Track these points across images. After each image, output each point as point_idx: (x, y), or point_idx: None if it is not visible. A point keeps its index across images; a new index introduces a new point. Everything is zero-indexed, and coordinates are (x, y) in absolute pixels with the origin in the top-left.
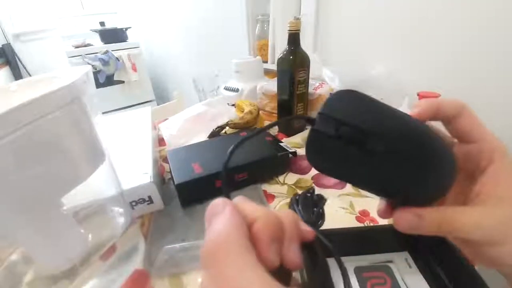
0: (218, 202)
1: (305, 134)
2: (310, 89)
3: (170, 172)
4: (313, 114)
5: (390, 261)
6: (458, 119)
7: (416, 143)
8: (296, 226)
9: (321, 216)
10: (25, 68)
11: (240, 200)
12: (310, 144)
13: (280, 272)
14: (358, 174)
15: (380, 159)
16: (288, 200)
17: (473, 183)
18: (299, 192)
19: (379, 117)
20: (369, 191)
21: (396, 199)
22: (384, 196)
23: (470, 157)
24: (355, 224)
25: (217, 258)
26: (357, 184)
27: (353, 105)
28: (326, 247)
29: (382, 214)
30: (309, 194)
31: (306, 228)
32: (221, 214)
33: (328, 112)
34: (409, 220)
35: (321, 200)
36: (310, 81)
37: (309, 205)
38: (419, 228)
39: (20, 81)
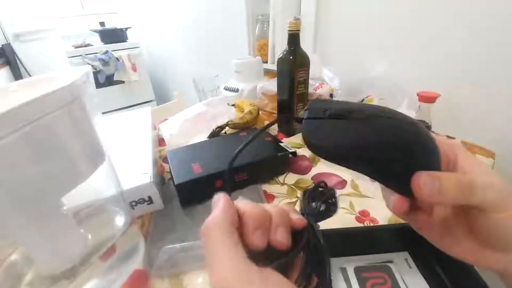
0: (217, 196)
1: None
2: (310, 89)
3: (170, 172)
4: None
5: (390, 261)
6: None
7: (393, 112)
8: (283, 216)
9: (323, 207)
10: (25, 68)
11: (239, 199)
12: (307, 130)
13: (271, 254)
14: (353, 144)
15: (367, 123)
16: (288, 200)
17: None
18: (299, 192)
19: (354, 104)
20: (365, 168)
21: (391, 173)
22: (380, 170)
23: None
24: (355, 224)
25: (206, 234)
26: (354, 159)
27: (330, 102)
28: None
29: (397, 205)
30: (321, 188)
31: (296, 217)
32: (216, 205)
33: (313, 106)
34: (428, 183)
35: (328, 192)
36: (310, 81)
37: (315, 198)
38: (441, 192)
39: (20, 81)
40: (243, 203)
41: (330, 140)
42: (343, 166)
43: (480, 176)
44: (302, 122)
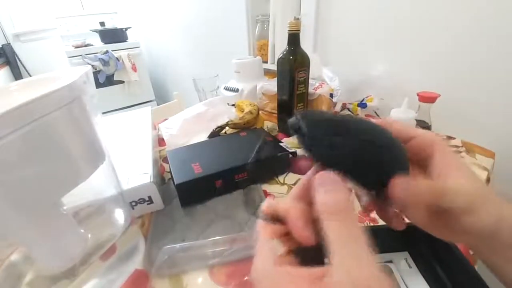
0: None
1: None
2: (310, 89)
3: (170, 172)
4: None
5: (390, 261)
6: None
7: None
8: None
9: None
10: (25, 68)
11: (270, 201)
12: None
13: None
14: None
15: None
16: None
17: (430, 170)
18: None
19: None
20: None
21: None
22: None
23: (414, 149)
24: None
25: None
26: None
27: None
28: None
29: (367, 207)
30: None
31: None
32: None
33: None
34: (404, 186)
35: None
36: (310, 81)
37: None
38: (416, 193)
39: (20, 81)
40: (282, 204)
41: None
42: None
43: (452, 180)
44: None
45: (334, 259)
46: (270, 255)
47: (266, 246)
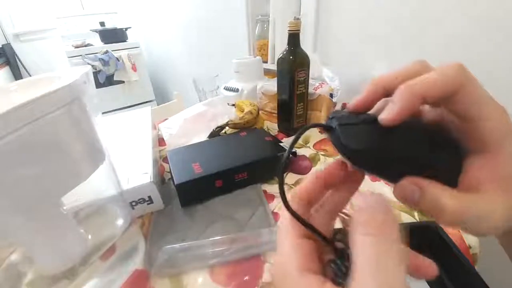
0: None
1: (305, 134)
2: (310, 89)
3: (170, 172)
4: (313, 114)
5: None
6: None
7: None
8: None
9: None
10: (25, 68)
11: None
12: (346, 136)
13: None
14: (394, 145)
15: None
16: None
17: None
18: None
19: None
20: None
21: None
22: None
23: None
24: None
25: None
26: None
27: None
28: None
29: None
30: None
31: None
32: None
33: (338, 115)
34: (407, 189)
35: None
36: (310, 81)
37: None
38: (418, 203)
39: (20, 81)
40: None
41: (373, 143)
42: (377, 172)
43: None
44: (335, 130)
45: (357, 276)
46: (294, 256)
47: (289, 243)
